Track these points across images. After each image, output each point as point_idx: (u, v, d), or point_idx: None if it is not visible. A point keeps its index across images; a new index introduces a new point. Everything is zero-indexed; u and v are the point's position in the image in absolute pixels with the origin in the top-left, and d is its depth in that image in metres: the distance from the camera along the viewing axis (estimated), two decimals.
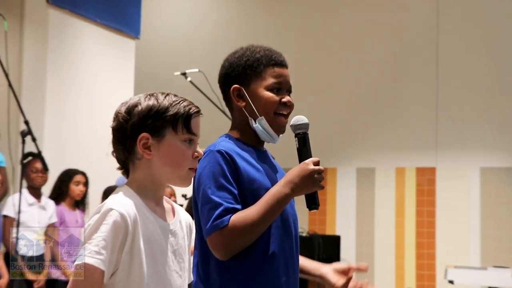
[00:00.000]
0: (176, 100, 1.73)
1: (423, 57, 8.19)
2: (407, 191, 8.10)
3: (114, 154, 1.75)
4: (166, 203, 1.81)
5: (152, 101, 1.71)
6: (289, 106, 2.10)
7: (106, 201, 1.66)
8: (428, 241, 7.94)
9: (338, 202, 8.37)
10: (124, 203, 1.64)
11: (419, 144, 8.12)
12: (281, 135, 2.14)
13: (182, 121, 1.71)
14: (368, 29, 8.50)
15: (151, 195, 1.73)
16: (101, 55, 6.88)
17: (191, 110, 1.73)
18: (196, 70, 6.18)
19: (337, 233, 8.18)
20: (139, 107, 1.70)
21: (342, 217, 8.33)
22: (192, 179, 1.80)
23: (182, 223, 1.81)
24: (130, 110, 1.71)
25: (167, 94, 1.75)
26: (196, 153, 1.74)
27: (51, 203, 5.38)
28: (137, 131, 1.69)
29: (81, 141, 6.43)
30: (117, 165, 1.77)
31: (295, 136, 2.06)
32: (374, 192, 8.24)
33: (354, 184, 8.34)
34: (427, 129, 8.09)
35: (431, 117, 8.08)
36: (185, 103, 1.74)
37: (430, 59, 8.14)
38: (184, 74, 6.30)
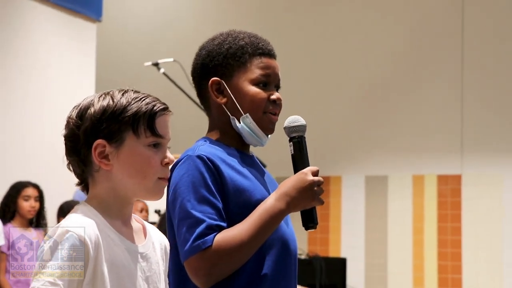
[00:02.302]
0: (137, 97, 1.75)
1: (445, 45, 8.23)
2: (427, 203, 8.13)
3: (70, 166, 1.78)
4: (136, 222, 1.83)
5: (107, 101, 1.74)
6: (278, 104, 2.13)
7: (62, 221, 1.70)
8: (452, 264, 7.98)
9: (343, 217, 8.40)
10: (83, 224, 1.68)
11: (441, 147, 8.16)
12: (269, 136, 2.16)
13: (144, 122, 1.74)
14: (379, 14, 8.54)
15: (115, 213, 1.76)
16: (53, 42, 6.85)
17: (155, 108, 1.75)
18: (171, 59, 6.20)
19: (342, 255, 8.20)
20: (92, 109, 1.73)
21: (348, 235, 8.36)
22: (165, 190, 1.83)
23: (156, 245, 1.84)
24: (82, 113, 1.74)
25: (125, 91, 1.77)
26: (165, 159, 1.77)
27: None
28: (91, 138, 1.72)
29: (33, 145, 6.42)
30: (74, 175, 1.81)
31: (290, 141, 2.08)
32: (387, 204, 8.28)
33: (363, 196, 8.38)
34: (450, 129, 8.13)
35: (455, 115, 8.12)
36: (147, 100, 1.76)
37: (454, 47, 8.18)
38: (156, 64, 6.33)
